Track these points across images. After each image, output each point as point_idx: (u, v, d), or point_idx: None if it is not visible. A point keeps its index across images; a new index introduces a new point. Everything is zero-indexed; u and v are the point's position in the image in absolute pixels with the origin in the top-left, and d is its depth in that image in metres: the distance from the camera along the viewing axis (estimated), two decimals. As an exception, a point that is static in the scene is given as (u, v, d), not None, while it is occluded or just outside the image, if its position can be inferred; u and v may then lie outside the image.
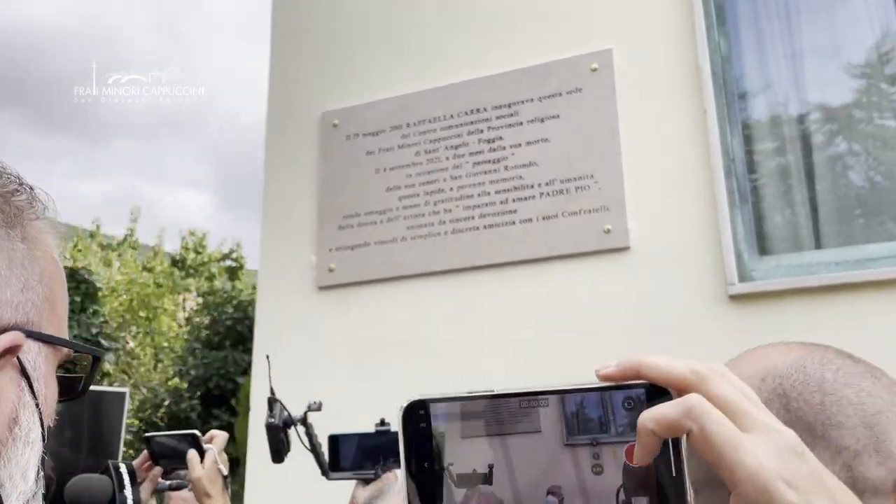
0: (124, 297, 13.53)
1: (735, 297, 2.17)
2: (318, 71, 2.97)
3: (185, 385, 10.19)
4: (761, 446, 0.41)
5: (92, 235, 17.79)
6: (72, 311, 8.09)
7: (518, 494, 0.43)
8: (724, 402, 0.42)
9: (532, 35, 2.62)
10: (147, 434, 1.73)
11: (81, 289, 8.26)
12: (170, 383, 10.80)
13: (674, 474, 0.42)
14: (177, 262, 15.72)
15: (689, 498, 0.42)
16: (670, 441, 0.42)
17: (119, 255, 16.55)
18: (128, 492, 1.53)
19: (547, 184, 2.44)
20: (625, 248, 2.31)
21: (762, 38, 2.57)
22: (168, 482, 1.67)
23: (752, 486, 0.40)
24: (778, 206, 2.47)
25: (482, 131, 2.57)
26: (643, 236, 2.31)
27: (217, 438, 1.58)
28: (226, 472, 1.55)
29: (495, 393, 0.44)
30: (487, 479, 0.43)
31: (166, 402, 10.03)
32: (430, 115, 2.66)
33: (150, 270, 15.50)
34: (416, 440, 0.45)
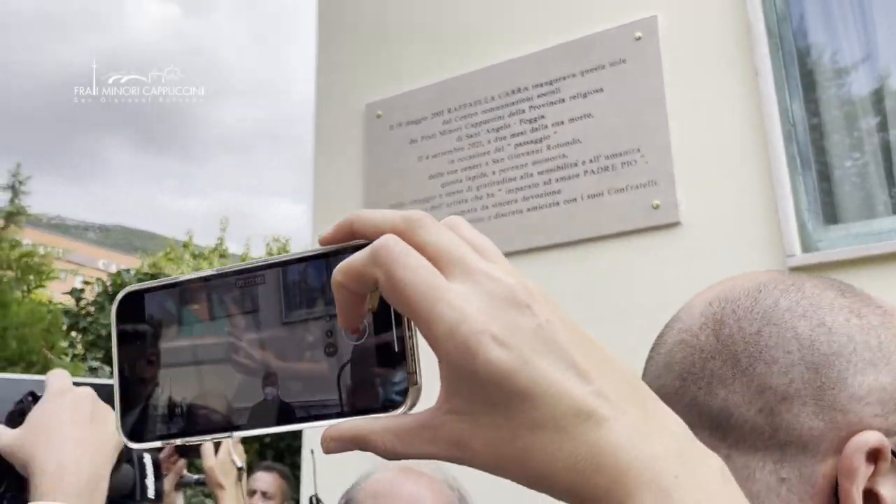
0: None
1: (796, 270, 2.01)
2: (361, 63, 2.95)
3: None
4: (468, 296, 0.32)
5: (185, 245, 18.52)
6: (152, 315, 8.34)
7: (237, 386, 0.37)
8: (434, 250, 0.34)
9: (572, 7, 2.52)
10: None
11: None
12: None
13: (396, 349, 0.35)
14: (262, 268, 16.15)
15: (417, 379, 0.35)
16: (392, 310, 0.34)
17: (210, 264, 17.18)
18: (149, 481, 1.53)
19: (591, 161, 2.33)
20: (675, 224, 2.19)
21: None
22: (195, 477, 1.66)
23: (453, 343, 0.32)
24: (848, 172, 2.28)
25: (523, 111, 2.48)
26: (694, 210, 2.18)
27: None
28: (240, 464, 1.53)
29: (210, 274, 0.38)
30: (205, 372, 0.38)
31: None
32: (471, 98, 2.59)
33: (238, 277, 16.00)
34: (129, 337, 0.39)
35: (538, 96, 2.47)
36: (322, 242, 0.37)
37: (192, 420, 0.38)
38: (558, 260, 2.33)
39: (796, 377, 0.48)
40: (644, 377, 0.56)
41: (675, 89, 2.29)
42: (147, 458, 1.62)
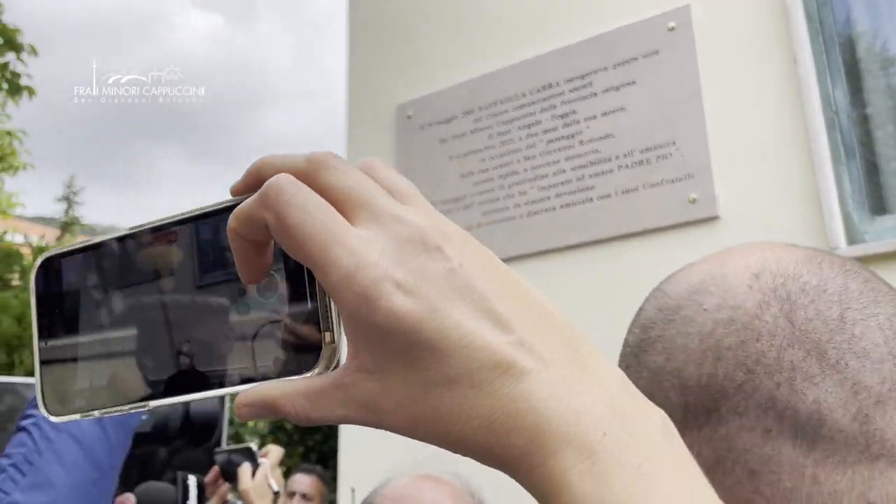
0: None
1: (841, 263, 1.93)
2: (391, 63, 2.94)
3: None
4: (370, 240, 0.29)
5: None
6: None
7: (153, 354, 0.35)
8: (338, 192, 0.30)
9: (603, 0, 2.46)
10: (216, 450, 1.73)
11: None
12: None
13: (309, 305, 0.32)
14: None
15: (333, 336, 0.31)
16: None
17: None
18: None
19: (625, 155, 2.27)
20: (713, 218, 2.12)
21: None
22: (239, 503, 1.66)
23: (351, 292, 0.28)
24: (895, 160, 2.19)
25: (555, 107, 2.44)
26: (733, 203, 2.11)
27: (271, 453, 1.58)
28: (276, 488, 1.52)
29: (124, 234, 0.36)
30: (122, 341, 0.35)
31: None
32: (501, 95, 2.55)
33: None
34: (47, 306, 0.37)
35: (569, 91, 2.42)
36: (233, 192, 0.34)
37: (110, 392, 0.36)
38: (593, 257, 2.28)
39: (887, 375, 0.40)
40: (644, 359, 0.48)
41: (710, 79, 2.22)
42: (191, 480, 1.63)
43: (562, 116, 2.42)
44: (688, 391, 0.44)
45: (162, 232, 0.35)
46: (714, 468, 0.42)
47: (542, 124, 2.44)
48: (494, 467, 0.29)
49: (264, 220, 0.30)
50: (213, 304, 0.34)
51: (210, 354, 0.34)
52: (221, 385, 0.33)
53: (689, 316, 0.46)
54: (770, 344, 0.42)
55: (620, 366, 0.50)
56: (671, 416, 0.43)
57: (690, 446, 0.41)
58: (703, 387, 0.43)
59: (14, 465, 0.90)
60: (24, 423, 0.95)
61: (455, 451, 0.29)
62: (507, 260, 2.49)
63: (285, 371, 0.32)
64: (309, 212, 0.29)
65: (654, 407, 0.30)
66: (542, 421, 0.27)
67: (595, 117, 2.36)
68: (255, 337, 0.33)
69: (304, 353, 0.32)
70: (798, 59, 2.11)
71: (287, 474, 3.11)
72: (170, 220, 0.35)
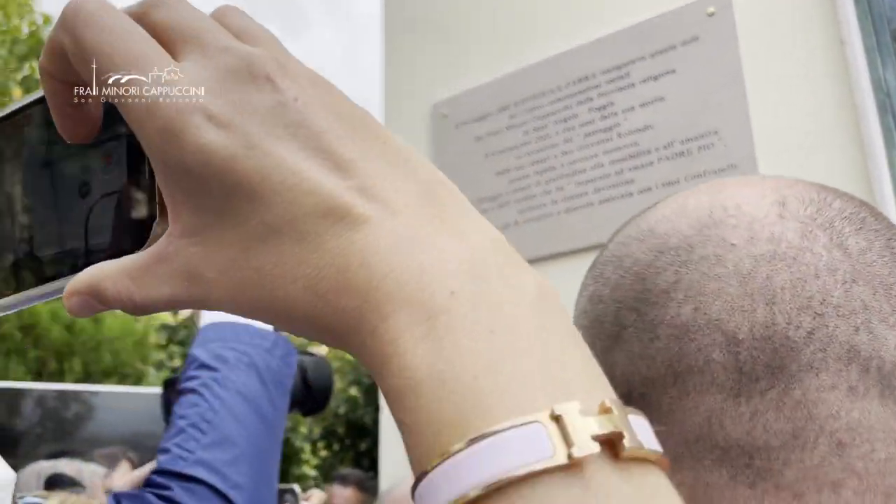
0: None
1: (897, 252, 1.84)
2: (426, 63, 2.91)
3: (361, 394, 10.61)
4: (185, 70, 0.24)
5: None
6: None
7: (8, 249, 0.31)
8: (167, 29, 0.25)
9: (638, -12, 2.40)
10: None
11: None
12: (347, 392, 11.32)
13: (147, 176, 0.27)
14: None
15: (156, 212, 0.27)
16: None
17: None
18: None
19: (665, 147, 2.20)
20: (759, 209, 2.04)
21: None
22: None
23: (152, 126, 0.23)
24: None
25: (592, 99, 2.38)
26: (780, 193, 2.03)
27: (313, 498, 1.60)
28: None
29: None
30: None
31: (343, 411, 10.51)
32: (537, 90, 2.50)
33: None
34: None
35: (606, 83, 2.36)
36: None
37: None
38: (634, 253, 2.21)
39: None
40: (654, 313, 0.38)
41: (753, 65, 2.14)
42: None
43: (599, 109, 2.36)
44: (738, 346, 0.35)
45: (18, 115, 0.32)
46: (792, 444, 0.33)
47: (578, 118, 2.39)
48: (334, 345, 0.23)
49: (60, 42, 0.25)
50: (57, 186, 0.30)
51: (52, 243, 0.30)
52: (54, 277, 0.29)
53: (712, 254, 0.37)
54: (833, 280, 0.34)
55: (607, 326, 0.41)
56: (715, 379, 0.35)
57: (753, 416, 0.34)
58: (760, 339, 0.35)
59: (193, 425, 0.89)
60: (190, 384, 0.94)
61: (288, 328, 0.24)
62: (545, 258, 2.43)
63: (118, 253, 0.27)
64: (110, 31, 0.24)
65: (532, 273, 0.23)
66: (376, 277, 0.22)
67: (633, 108, 2.29)
68: (91, 216, 0.29)
69: (136, 230, 0.27)
70: (845, 40, 2.02)
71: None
72: (24, 103, 0.31)
